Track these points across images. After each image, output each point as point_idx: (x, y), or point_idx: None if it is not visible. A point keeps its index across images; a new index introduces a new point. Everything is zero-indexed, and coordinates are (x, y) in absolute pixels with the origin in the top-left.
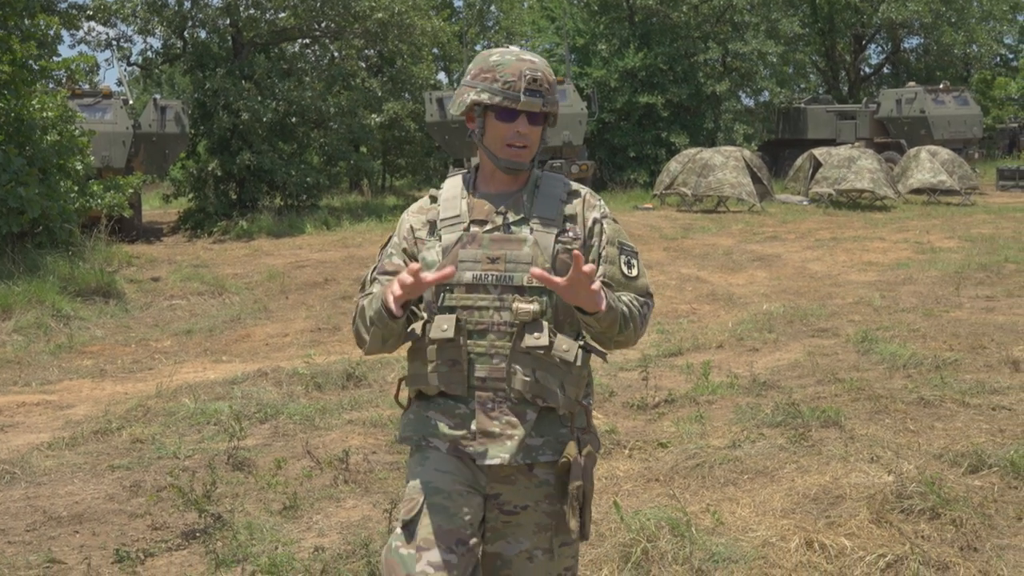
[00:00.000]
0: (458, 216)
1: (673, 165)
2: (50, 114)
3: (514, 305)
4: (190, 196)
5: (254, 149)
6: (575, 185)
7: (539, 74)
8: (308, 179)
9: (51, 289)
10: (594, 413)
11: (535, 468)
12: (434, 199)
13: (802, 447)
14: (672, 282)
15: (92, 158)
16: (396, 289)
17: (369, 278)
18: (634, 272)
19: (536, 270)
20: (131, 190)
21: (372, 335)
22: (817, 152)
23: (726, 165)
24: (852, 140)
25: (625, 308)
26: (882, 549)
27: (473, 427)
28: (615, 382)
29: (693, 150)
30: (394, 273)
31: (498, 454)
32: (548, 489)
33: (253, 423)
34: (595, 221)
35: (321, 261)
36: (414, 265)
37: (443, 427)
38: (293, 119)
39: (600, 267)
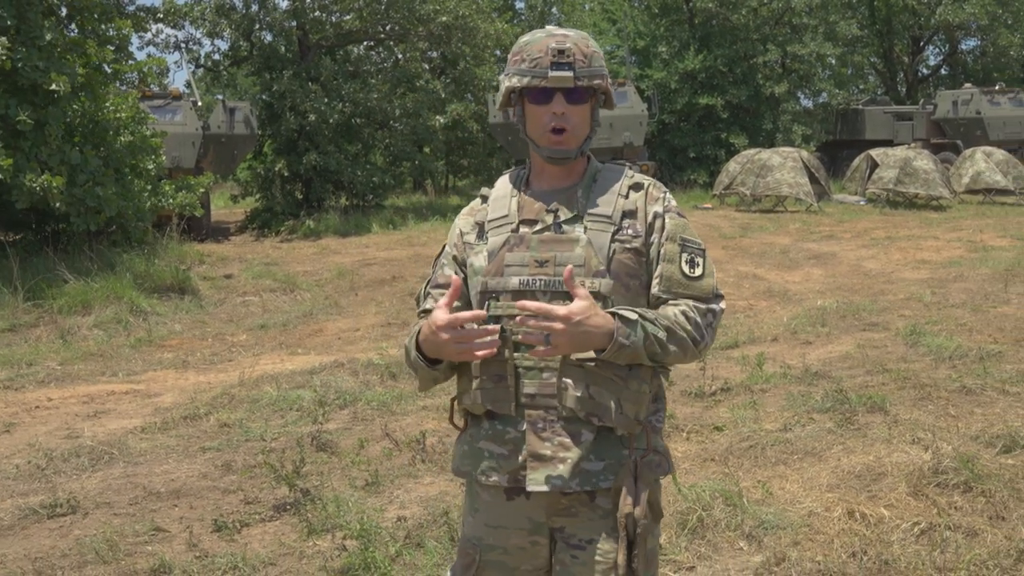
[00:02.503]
0: (506, 216)
1: (732, 166)
2: (123, 115)
3: None
4: (257, 196)
5: (320, 150)
6: (638, 176)
7: (567, 45)
8: (373, 179)
9: (128, 286)
10: None
11: (597, 498)
12: (485, 199)
13: (849, 430)
14: (730, 279)
15: (164, 158)
16: (448, 343)
17: (423, 292)
18: (697, 271)
19: (569, 270)
20: (202, 190)
21: (420, 378)
22: (874, 153)
23: (784, 166)
24: (909, 141)
25: (662, 332)
26: (917, 518)
27: (524, 452)
28: (674, 372)
29: (752, 151)
30: (446, 286)
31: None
32: (614, 521)
33: (333, 409)
34: (656, 216)
35: (388, 259)
36: (437, 318)
37: (497, 459)
38: (358, 120)
39: (659, 267)
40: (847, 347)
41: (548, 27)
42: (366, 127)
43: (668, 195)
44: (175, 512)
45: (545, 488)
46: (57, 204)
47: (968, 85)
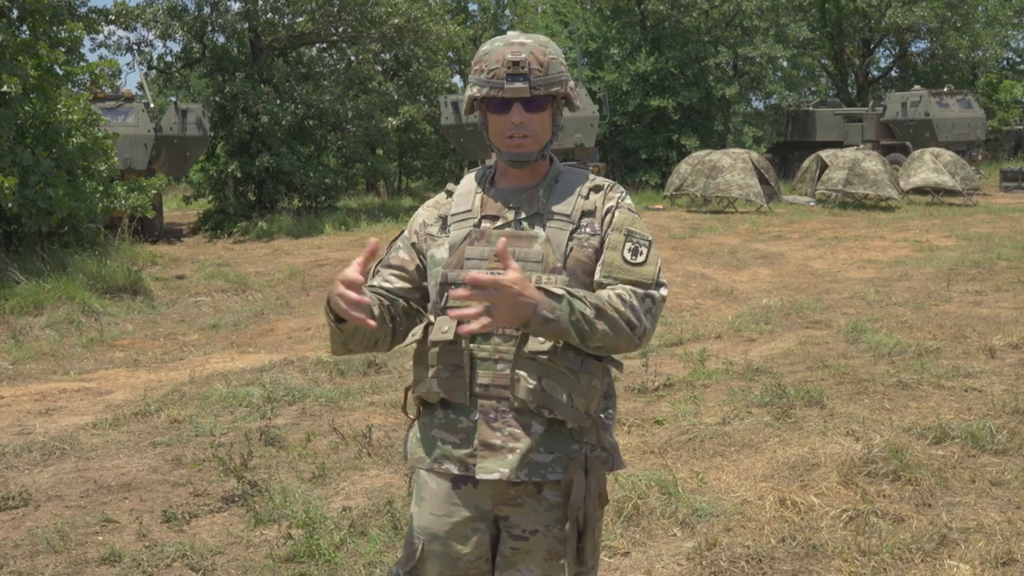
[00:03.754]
0: (469, 211)
1: (683, 167)
2: (75, 117)
3: None
4: (210, 198)
5: (273, 151)
6: (599, 180)
7: (522, 56)
8: (326, 180)
9: (80, 286)
10: None
11: (544, 490)
12: (450, 194)
13: (786, 423)
14: (678, 279)
15: (116, 160)
16: (343, 292)
17: (372, 271)
18: (640, 259)
19: (503, 242)
20: (154, 191)
21: (332, 339)
22: (824, 154)
23: (734, 167)
24: (859, 142)
25: (589, 310)
26: (846, 505)
27: (475, 441)
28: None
29: (702, 152)
30: (398, 267)
31: (497, 468)
32: (558, 513)
33: (282, 405)
34: (608, 211)
35: (340, 260)
36: (345, 272)
37: (449, 447)
38: (311, 122)
39: (603, 254)
40: (789, 344)
41: (509, 34)
42: (319, 129)
43: (623, 193)
44: (125, 504)
45: (494, 477)
46: (9, 205)
47: (917, 87)
